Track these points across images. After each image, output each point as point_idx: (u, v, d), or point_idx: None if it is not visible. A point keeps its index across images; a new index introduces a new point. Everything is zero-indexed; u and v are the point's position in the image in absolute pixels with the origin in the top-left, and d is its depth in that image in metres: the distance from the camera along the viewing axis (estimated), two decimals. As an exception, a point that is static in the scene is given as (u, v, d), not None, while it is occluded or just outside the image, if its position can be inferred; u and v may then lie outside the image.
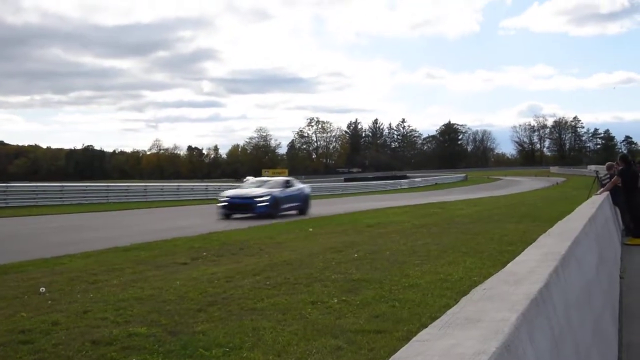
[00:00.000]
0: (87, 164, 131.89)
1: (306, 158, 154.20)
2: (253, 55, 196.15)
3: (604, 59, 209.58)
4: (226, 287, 7.38)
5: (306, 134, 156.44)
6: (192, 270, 8.80)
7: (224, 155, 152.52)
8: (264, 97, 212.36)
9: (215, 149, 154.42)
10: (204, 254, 10.58)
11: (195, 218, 20.60)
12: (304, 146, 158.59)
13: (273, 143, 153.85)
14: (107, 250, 11.13)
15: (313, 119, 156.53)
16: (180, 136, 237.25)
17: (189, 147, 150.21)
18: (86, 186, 35.37)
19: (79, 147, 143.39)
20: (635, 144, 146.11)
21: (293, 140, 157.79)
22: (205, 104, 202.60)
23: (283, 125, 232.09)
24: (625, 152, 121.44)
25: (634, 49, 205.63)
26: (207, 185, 43.83)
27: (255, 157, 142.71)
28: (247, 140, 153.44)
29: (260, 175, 47.75)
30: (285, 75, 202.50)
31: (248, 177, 27.99)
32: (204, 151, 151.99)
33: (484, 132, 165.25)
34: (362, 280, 7.79)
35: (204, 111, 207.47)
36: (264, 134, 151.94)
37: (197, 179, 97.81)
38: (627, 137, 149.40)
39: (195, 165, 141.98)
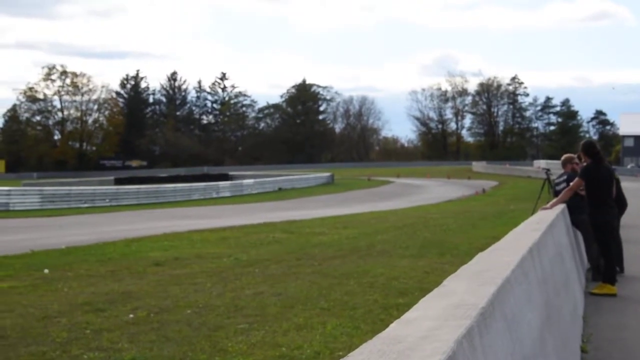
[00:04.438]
0: None
1: (42, 140, 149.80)
2: None
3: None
4: None
5: (42, 96, 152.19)
6: None
7: None
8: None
9: None
10: None
11: None
12: (38, 118, 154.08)
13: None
14: None
15: (54, 68, 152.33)
16: None
17: None
18: None
19: None
20: (612, 124, 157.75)
21: (16, 106, 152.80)
22: None
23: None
24: (591, 138, 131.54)
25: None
26: None
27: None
28: None
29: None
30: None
31: None
32: None
33: (363, 101, 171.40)
34: (141, 363, 7.75)
35: None
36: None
37: None
38: (599, 113, 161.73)
39: None
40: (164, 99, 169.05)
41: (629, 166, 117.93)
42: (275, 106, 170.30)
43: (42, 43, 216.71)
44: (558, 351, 5.98)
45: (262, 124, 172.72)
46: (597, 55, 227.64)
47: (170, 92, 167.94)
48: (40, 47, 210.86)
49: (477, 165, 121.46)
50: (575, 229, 13.46)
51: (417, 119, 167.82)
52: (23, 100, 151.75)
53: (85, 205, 48.75)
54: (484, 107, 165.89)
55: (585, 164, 12.68)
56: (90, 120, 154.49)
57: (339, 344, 8.28)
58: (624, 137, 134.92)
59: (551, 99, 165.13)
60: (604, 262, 12.33)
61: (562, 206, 12.52)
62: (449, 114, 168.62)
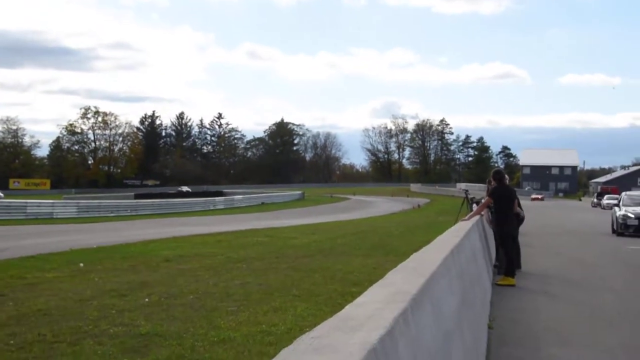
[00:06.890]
0: None
1: (79, 164, 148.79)
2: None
3: (477, 45, 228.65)
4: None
5: (79, 130, 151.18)
6: None
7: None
8: (13, 74, 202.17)
9: None
10: None
11: None
12: (76, 147, 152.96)
13: (28, 141, 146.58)
14: None
15: (89, 108, 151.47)
16: None
17: None
18: None
19: None
20: (514, 156, 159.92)
21: (59, 138, 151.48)
22: None
23: (43, 116, 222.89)
24: (499, 167, 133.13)
25: (513, 34, 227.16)
26: None
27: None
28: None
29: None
30: (45, 42, 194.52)
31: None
32: None
33: (328, 136, 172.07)
34: (154, 335, 7.74)
35: None
36: (13, 128, 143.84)
37: None
38: (504, 148, 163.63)
39: None
40: (173, 133, 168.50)
41: (526, 188, 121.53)
42: (260, 139, 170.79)
43: (81, 90, 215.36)
44: (471, 327, 6.04)
45: (250, 153, 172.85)
46: (503, 105, 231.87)
47: (179, 127, 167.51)
48: (79, 93, 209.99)
49: (414, 187, 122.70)
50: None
51: (369, 150, 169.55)
52: (65, 133, 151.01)
53: (112, 214, 48.38)
54: (420, 142, 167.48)
55: (493, 186, 13.17)
56: (116, 149, 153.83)
57: (306, 322, 8.30)
58: (523, 166, 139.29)
59: (470, 136, 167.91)
60: (505, 261, 12.57)
61: (477, 218, 12.69)
62: (393, 147, 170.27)
